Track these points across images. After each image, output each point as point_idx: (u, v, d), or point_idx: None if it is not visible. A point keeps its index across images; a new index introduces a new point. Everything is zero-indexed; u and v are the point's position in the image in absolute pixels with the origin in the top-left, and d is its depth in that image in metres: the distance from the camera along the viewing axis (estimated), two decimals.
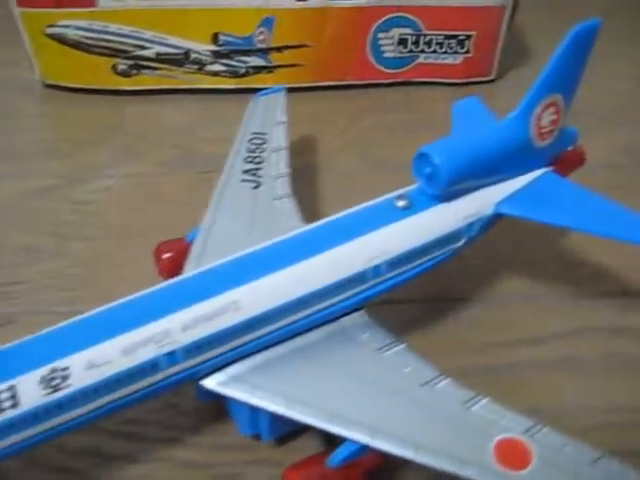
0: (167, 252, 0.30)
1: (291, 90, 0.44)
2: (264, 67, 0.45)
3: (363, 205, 0.27)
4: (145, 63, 0.44)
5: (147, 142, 0.42)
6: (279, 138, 0.35)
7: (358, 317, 0.27)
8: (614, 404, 0.28)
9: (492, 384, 0.27)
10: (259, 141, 0.34)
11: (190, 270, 0.27)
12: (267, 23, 0.43)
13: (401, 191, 0.28)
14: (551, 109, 0.28)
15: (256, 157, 0.34)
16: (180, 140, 0.42)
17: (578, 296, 0.33)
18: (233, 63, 0.44)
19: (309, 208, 0.36)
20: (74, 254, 0.35)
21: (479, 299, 0.33)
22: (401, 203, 0.27)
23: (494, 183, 0.28)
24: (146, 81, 0.45)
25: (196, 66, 0.44)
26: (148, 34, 0.43)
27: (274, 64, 0.44)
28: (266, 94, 0.37)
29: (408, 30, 0.44)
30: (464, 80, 0.47)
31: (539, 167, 0.30)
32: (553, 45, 0.50)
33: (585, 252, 0.35)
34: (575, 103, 0.30)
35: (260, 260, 0.25)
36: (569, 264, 0.35)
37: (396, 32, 0.44)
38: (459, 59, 0.46)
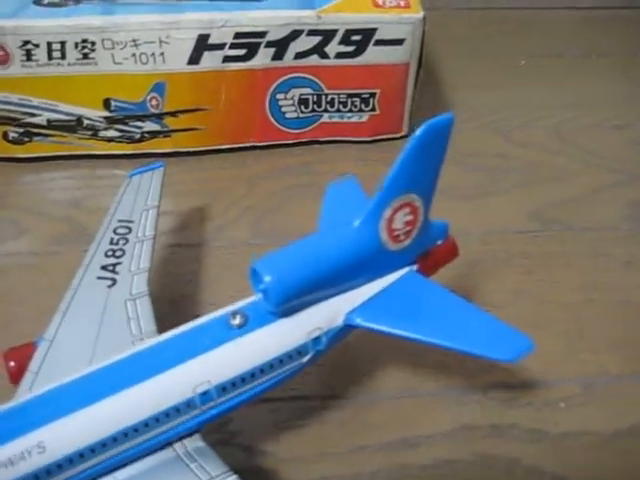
0: (12, 360, 0.28)
1: (189, 154, 0.43)
2: (160, 132, 0.43)
3: (196, 322, 0.25)
4: (37, 130, 0.42)
5: (33, 216, 0.40)
6: (147, 226, 0.33)
7: (191, 443, 0.25)
8: None
9: None
10: (124, 230, 0.33)
11: (21, 393, 0.25)
12: (158, 88, 0.41)
13: (237, 305, 0.26)
14: (405, 209, 0.27)
15: (118, 250, 0.32)
16: (69, 212, 0.40)
17: (458, 391, 0.31)
18: (127, 129, 0.43)
19: (191, 292, 0.35)
20: None
21: (351, 397, 0.31)
22: (236, 321, 0.25)
23: (344, 292, 0.27)
24: (40, 148, 0.43)
25: (90, 132, 0.42)
26: (36, 101, 0.41)
27: (170, 128, 0.43)
28: (141, 172, 0.35)
29: (308, 90, 0.42)
30: (373, 138, 0.45)
31: (399, 268, 0.28)
32: (472, 94, 0.50)
33: None
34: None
35: (77, 390, 0.24)
36: (449, 355, 0.31)
37: (296, 92, 0.42)
38: (365, 117, 0.44)
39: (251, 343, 0.25)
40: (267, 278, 0.24)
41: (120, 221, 0.33)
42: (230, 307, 0.26)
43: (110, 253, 0.31)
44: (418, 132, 0.25)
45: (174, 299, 0.35)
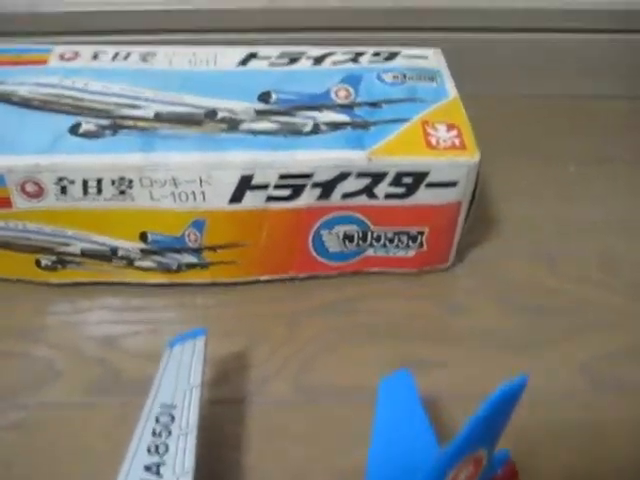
0: None
1: (225, 284, 0.41)
2: (198, 264, 0.41)
3: None
4: (70, 258, 0.41)
5: (67, 355, 0.39)
6: (190, 412, 0.31)
7: None
8: None
9: None
10: (166, 419, 0.31)
11: None
12: (197, 225, 0.39)
13: None
14: (469, 466, 0.25)
15: (161, 444, 0.31)
16: (103, 354, 0.39)
17: None
18: (164, 260, 0.41)
19: (232, 463, 0.34)
20: None
21: None
22: None
23: None
24: (73, 275, 0.41)
25: (125, 261, 0.41)
26: (70, 232, 0.40)
27: (208, 261, 0.41)
28: (182, 341, 0.34)
29: (354, 227, 0.40)
30: (418, 270, 0.43)
31: None
32: (518, 206, 0.48)
33: None
34: None
35: None
36: None
37: (341, 229, 0.40)
38: (411, 252, 0.42)
39: None
40: None
41: (162, 406, 0.32)
42: None
43: (153, 449, 0.30)
44: (492, 399, 0.23)
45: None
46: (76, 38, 0.51)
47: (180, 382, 0.33)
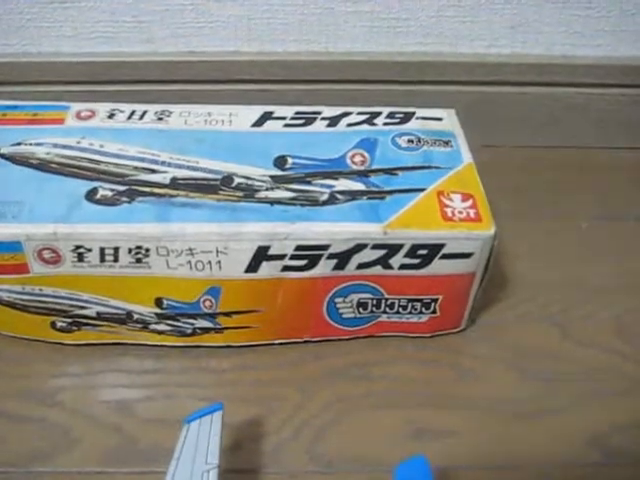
0: None
1: (239, 347, 0.41)
2: (212, 329, 0.41)
3: None
4: (85, 321, 0.41)
5: (83, 421, 0.39)
6: None
7: None
8: None
9: None
10: None
11: None
12: (213, 292, 0.39)
13: None
14: None
15: None
16: (119, 421, 0.39)
17: None
18: (179, 324, 0.41)
19: None
20: None
21: None
22: None
23: None
24: (88, 336, 0.42)
25: (140, 325, 0.41)
26: (86, 296, 0.40)
27: (223, 326, 0.41)
28: (199, 417, 0.34)
29: (368, 295, 0.40)
30: (431, 334, 0.44)
31: None
32: (530, 266, 0.48)
33: None
34: None
35: None
36: None
37: (355, 297, 0.40)
38: (425, 318, 0.42)
39: None
40: None
41: None
42: None
43: None
44: None
45: None
46: (90, 87, 0.52)
47: (197, 462, 0.33)
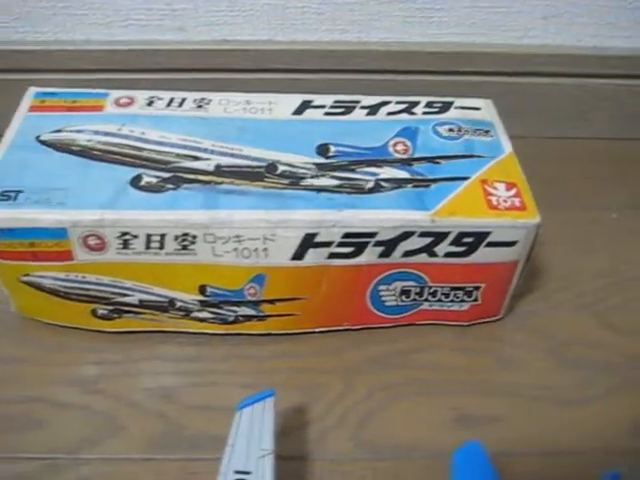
0: None
1: (278, 335, 0.41)
2: (255, 316, 0.41)
3: None
4: (127, 308, 0.41)
5: (127, 409, 0.39)
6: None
7: None
8: None
9: None
10: None
11: None
12: (258, 279, 0.39)
13: None
14: None
15: None
16: (162, 407, 0.39)
17: None
18: (221, 312, 0.41)
19: None
20: None
21: None
22: None
23: None
24: (128, 324, 0.42)
25: (182, 313, 0.41)
26: (129, 284, 0.40)
27: (265, 314, 0.41)
28: (251, 403, 0.34)
29: (412, 283, 0.41)
30: (470, 322, 0.44)
31: None
32: (564, 256, 0.48)
33: None
34: None
35: None
36: None
37: (398, 285, 0.40)
38: (466, 306, 0.42)
39: None
40: None
41: (237, 473, 0.32)
42: None
43: None
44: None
45: None
46: (123, 75, 0.52)
47: (252, 448, 0.33)
